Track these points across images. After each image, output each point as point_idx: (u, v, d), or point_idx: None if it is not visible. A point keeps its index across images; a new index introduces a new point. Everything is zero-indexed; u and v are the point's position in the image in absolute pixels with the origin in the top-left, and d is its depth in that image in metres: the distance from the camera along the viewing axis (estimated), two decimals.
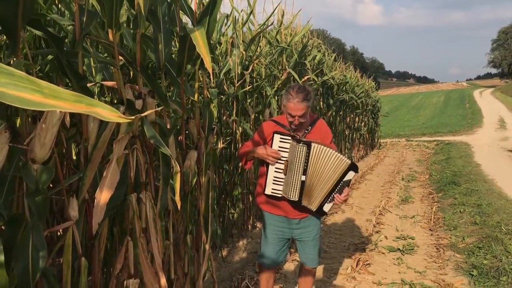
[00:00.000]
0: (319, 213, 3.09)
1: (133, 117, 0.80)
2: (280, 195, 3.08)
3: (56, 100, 0.72)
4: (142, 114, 0.88)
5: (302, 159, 2.94)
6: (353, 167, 2.99)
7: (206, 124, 2.84)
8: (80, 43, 1.92)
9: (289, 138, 2.99)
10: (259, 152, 3.03)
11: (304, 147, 2.93)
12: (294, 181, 2.98)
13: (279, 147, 3.01)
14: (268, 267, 3.29)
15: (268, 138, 3.08)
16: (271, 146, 3.02)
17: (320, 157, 2.94)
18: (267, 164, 3.06)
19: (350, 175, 2.99)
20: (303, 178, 2.96)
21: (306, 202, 3.02)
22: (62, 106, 0.73)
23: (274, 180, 3.05)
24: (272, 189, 3.07)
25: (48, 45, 2.44)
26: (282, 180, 3.04)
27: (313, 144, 2.93)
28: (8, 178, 1.73)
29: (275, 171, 3.04)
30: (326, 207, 3.05)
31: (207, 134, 2.83)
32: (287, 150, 3.00)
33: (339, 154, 2.96)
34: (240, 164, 3.26)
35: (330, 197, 3.02)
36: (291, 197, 3.01)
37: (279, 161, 3.02)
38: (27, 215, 1.62)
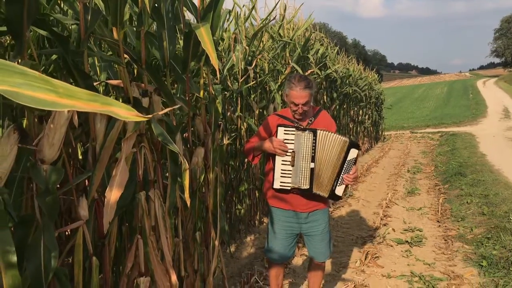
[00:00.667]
0: (333, 198, 3.09)
1: (150, 116, 0.79)
2: (289, 188, 3.05)
3: (72, 100, 0.71)
4: (160, 113, 0.86)
5: (310, 146, 2.97)
6: (353, 144, 3.03)
7: (212, 121, 2.83)
8: (85, 42, 1.91)
9: (293, 129, 3.01)
10: (266, 146, 3.03)
11: (311, 134, 2.96)
12: (303, 169, 2.99)
13: (284, 139, 3.02)
14: (277, 262, 3.29)
15: (273, 131, 3.08)
16: None
17: (325, 142, 2.98)
18: (274, 159, 3.06)
19: (353, 153, 3.02)
20: (312, 165, 2.98)
21: (317, 189, 3.02)
22: (78, 106, 0.72)
23: (282, 173, 3.05)
24: (281, 182, 3.06)
25: (52, 45, 2.43)
26: (290, 172, 3.03)
27: (318, 131, 2.97)
28: (17, 179, 1.73)
29: (282, 164, 3.04)
30: (339, 191, 3.05)
31: (214, 130, 2.83)
32: (292, 141, 3.00)
33: (340, 136, 3.01)
34: (247, 159, 3.24)
35: (340, 180, 3.03)
36: (302, 185, 3.01)
37: (286, 153, 3.02)
38: (37, 216, 1.62)
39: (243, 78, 5.12)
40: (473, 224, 5.64)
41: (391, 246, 5.08)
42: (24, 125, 1.89)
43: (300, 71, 6.20)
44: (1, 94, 0.66)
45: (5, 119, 1.82)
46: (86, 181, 2.13)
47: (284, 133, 3.01)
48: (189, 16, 3.26)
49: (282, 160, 3.03)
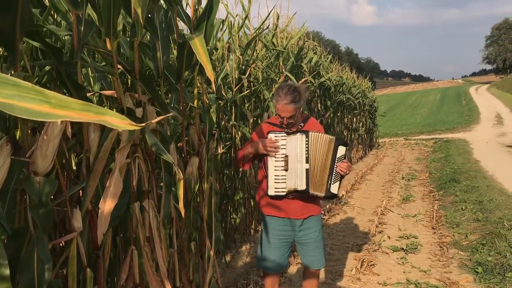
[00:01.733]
0: (330, 196, 3.13)
1: (143, 124, 0.79)
2: (284, 193, 3.06)
3: (65, 110, 0.71)
4: (153, 121, 0.86)
5: (303, 148, 3.01)
6: (340, 141, 3.11)
7: (207, 130, 2.83)
8: (78, 53, 1.91)
9: (284, 134, 3.06)
10: (256, 146, 3.06)
11: (303, 136, 3.02)
12: (298, 171, 3.01)
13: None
14: (272, 272, 3.27)
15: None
16: None
17: (317, 142, 3.04)
18: (266, 166, 3.08)
19: (342, 150, 3.09)
20: (307, 166, 3.01)
21: (313, 190, 3.03)
22: (71, 116, 0.72)
23: (275, 179, 3.06)
24: (275, 188, 3.06)
25: (45, 56, 2.43)
26: (284, 177, 3.05)
27: (310, 132, 3.04)
28: (10, 191, 1.72)
29: (275, 170, 3.06)
30: (334, 188, 3.08)
31: (208, 139, 2.83)
32: (284, 146, 3.05)
33: (328, 135, 3.09)
34: (238, 167, 3.27)
35: (333, 177, 3.07)
36: (299, 187, 3.01)
37: (277, 159, 3.05)
38: (31, 228, 1.61)
39: (237, 87, 5.13)
40: (468, 230, 5.65)
41: (387, 253, 5.08)
42: (18, 137, 1.88)
43: (294, 79, 6.22)
44: None
45: None
46: (80, 192, 2.12)
47: (275, 139, 3.06)
48: (182, 26, 3.27)
49: (275, 166, 3.05)
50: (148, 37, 3.11)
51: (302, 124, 3.17)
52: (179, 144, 2.89)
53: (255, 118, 5.81)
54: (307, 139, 3.02)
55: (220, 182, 5.04)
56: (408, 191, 8.84)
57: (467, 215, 6.34)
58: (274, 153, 3.04)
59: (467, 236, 5.43)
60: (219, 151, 4.66)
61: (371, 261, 4.71)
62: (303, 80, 6.83)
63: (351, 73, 14.79)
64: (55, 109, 0.71)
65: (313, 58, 8.29)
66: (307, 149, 3.01)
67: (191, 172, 2.68)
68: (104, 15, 1.99)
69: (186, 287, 2.73)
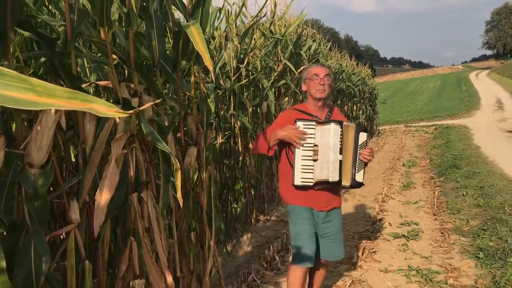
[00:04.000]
0: (355, 185, 3.03)
1: (130, 112, 0.77)
2: (311, 184, 2.94)
3: (51, 98, 0.69)
4: (140, 108, 0.84)
5: (337, 139, 2.91)
6: (361, 128, 3.06)
7: (204, 119, 2.81)
8: (72, 43, 1.88)
9: (313, 123, 2.94)
10: (282, 134, 2.92)
11: (338, 126, 2.91)
12: (331, 163, 2.90)
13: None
14: (309, 265, 3.00)
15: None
16: None
17: (347, 133, 2.96)
18: (291, 155, 2.98)
19: (363, 136, 3.03)
20: (340, 157, 2.91)
21: (344, 181, 2.95)
22: (57, 104, 0.70)
23: (303, 168, 2.93)
24: (302, 178, 2.94)
25: (40, 48, 2.40)
26: (312, 167, 2.92)
27: (344, 122, 2.95)
28: (7, 183, 1.70)
29: (303, 159, 2.93)
30: (359, 177, 3.01)
31: (206, 129, 2.80)
32: (312, 136, 2.93)
33: (352, 124, 3.03)
34: (260, 152, 3.13)
35: (357, 166, 2.99)
36: (331, 178, 2.89)
37: (305, 148, 2.92)
38: (27, 221, 1.59)
39: (235, 76, 5.10)
40: (469, 216, 5.64)
41: (388, 240, 5.08)
42: (14, 129, 1.86)
43: (293, 68, 6.19)
44: None
45: None
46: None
47: (304, 127, 2.93)
48: (178, 15, 3.23)
49: (303, 156, 2.93)
50: (144, 26, 3.09)
51: (329, 114, 3.10)
52: (178, 135, 2.87)
53: (254, 107, 5.78)
54: (341, 129, 2.91)
55: (220, 172, 5.04)
56: (409, 178, 8.83)
57: (468, 201, 6.33)
58: (302, 143, 2.91)
59: (468, 222, 5.43)
60: (218, 141, 4.64)
61: (373, 248, 4.71)
62: (302, 68, 6.79)
63: (351, 60, 14.72)
64: (41, 97, 0.69)
65: (312, 45, 8.23)
66: (341, 140, 2.91)
67: (190, 162, 2.66)
68: (97, 4, 1.96)
69: (187, 277, 2.73)
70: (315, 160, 2.91)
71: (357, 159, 2.99)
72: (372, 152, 3.06)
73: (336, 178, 2.90)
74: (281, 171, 3.16)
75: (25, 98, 0.68)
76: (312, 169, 2.93)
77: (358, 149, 3.00)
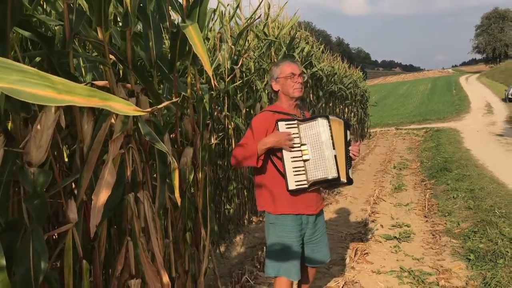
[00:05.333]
0: (350, 182, 2.88)
1: (149, 109, 0.79)
2: (306, 186, 2.74)
3: (70, 95, 0.71)
4: (158, 107, 0.85)
5: (328, 133, 2.75)
6: (347, 124, 2.97)
7: (201, 120, 2.82)
8: (70, 43, 1.89)
9: (294, 122, 2.77)
10: (271, 141, 2.69)
11: (325, 120, 2.76)
12: (326, 159, 2.73)
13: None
14: (293, 279, 2.83)
15: (270, 129, 2.78)
16: None
17: (335, 126, 2.81)
18: (278, 160, 2.77)
19: (348, 134, 2.93)
20: (334, 152, 2.76)
21: (342, 176, 2.77)
22: (76, 101, 0.71)
23: (295, 171, 2.74)
24: (296, 181, 2.73)
25: (35, 47, 2.39)
26: (303, 168, 2.75)
27: (330, 116, 2.81)
28: (3, 183, 1.70)
29: (293, 161, 2.74)
30: (351, 173, 2.90)
31: (202, 129, 2.81)
32: (296, 135, 2.75)
33: (338, 118, 2.89)
34: (245, 165, 2.94)
35: (349, 160, 2.88)
36: (329, 175, 2.73)
37: (293, 149, 2.73)
38: (25, 220, 1.59)
39: (229, 78, 5.11)
40: (459, 218, 5.70)
41: (380, 242, 5.11)
42: (9, 128, 1.86)
43: None
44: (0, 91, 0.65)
45: None
46: (73, 184, 2.10)
47: (286, 127, 2.75)
48: (173, 16, 3.24)
49: (292, 157, 2.73)
50: (139, 26, 3.09)
51: (303, 113, 2.96)
52: (172, 135, 2.88)
53: (247, 109, 5.80)
54: (329, 123, 2.75)
55: (214, 172, 5.04)
56: (400, 180, 8.89)
57: (458, 203, 6.39)
58: (291, 145, 2.73)
59: (459, 224, 5.48)
60: (212, 142, 4.65)
61: (365, 250, 4.74)
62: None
63: (343, 63, 14.80)
64: (61, 94, 0.70)
65: (305, 48, 8.28)
66: (331, 134, 2.74)
67: (186, 162, 2.67)
68: (95, 4, 1.96)
69: (182, 278, 2.73)
70: (305, 160, 2.76)
71: (348, 156, 2.88)
72: (359, 149, 2.98)
73: (335, 174, 2.74)
74: (265, 181, 2.86)
75: (45, 95, 0.70)
76: (304, 170, 2.76)
77: (348, 145, 2.90)
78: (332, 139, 2.76)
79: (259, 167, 2.78)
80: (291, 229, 2.79)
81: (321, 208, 2.99)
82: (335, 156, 2.76)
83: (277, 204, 2.80)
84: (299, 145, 2.76)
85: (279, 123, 2.75)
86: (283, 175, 2.75)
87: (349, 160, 2.89)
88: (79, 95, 0.71)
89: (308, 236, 2.90)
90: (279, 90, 2.88)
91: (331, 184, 2.88)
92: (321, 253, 2.98)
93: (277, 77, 2.85)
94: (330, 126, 2.76)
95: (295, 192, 2.75)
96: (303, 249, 2.91)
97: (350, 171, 2.89)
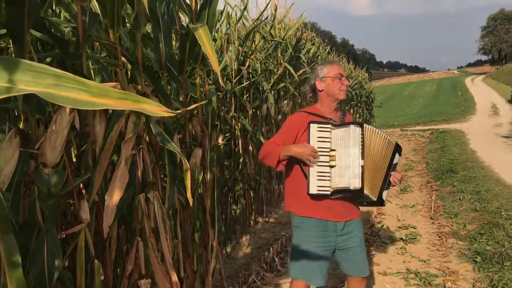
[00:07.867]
0: (379, 202, 2.73)
1: (179, 111, 0.81)
2: (328, 192, 2.62)
3: (104, 99, 0.73)
4: (189, 108, 0.88)
5: (358, 142, 2.60)
6: (398, 148, 2.75)
7: (209, 121, 2.84)
8: (84, 45, 1.91)
9: (328, 125, 2.65)
10: (295, 150, 2.61)
11: (358, 128, 2.61)
12: (352, 168, 2.59)
13: (318, 137, 2.64)
14: (317, 285, 2.75)
15: (302, 130, 2.69)
16: (308, 138, 2.63)
17: (372, 138, 2.65)
18: (304, 163, 2.66)
19: (397, 157, 2.74)
20: (362, 162, 2.59)
21: (368, 191, 2.62)
22: (110, 104, 0.73)
23: (319, 176, 2.62)
24: (318, 186, 2.61)
25: (45, 48, 2.42)
26: (328, 174, 2.62)
27: (365, 124, 2.66)
28: (15, 183, 1.72)
29: (319, 165, 2.62)
30: (384, 195, 2.73)
31: (211, 130, 2.83)
32: (328, 139, 2.64)
33: (386, 134, 2.71)
34: (267, 164, 2.80)
35: (387, 183, 2.71)
36: (352, 185, 2.58)
37: (321, 153, 2.62)
38: (39, 220, 1.61)
39: (236, 79, 5.13)
40: (466, 220, 5.68)
41: (386, 243, 5.11)
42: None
43: (292, 71, 6.23)
44: (37, 95, 0.67)
45: (6, 124, 1.81)
46: (81, 184, 2.12)
47: (318, 130, 2.64)
48: (182, 18, 3.26)
49: (318, 162, 2.61)
50: (148, 28, 3.11)
51: (343, 117, 2.83)
52: (179, 136, 2.90)
53: (254, 110, 5.81)
54: (362, 132, 2.60)
55: (220, 173, 5.06)
56: (406, 181, 8.86)
57: (465, 205, 6.37)
58: (316, 163, 2.60)
59: (465, 226, 5.47)
60: (219, 142, 4.67)
61: (371, 252, 4.75)
62: (301, 71, 6.83)
63: (348, 64, 14.80)
64: (95, 97, 0.73)
65: (311, 49, 8.29)
66: (362, 143, 2.60)
67: (195, 163, 2.69)
68: (108, 6, 1.99)
69: (190, 277, 2.75)
70: (332, 166, 2.63)
71: (388, 176, 2.71)
72: (401, 179, 2.79)
73: (358, 185, 2.58)
74: (293, 181, 2.78)
75: (81, 99, 0.72)
76: (329, 176, 2.63)
77: (392, 167, 2.72)
78: (362, 148, 2.61)
79: (291, 168, 2.73)
80: (316, 234, 2.69)
81: (352, 218, 2.76)
82: (362, 166, 2.60)
83: (301, 205, 2.72)
84: (328, 150, 2.64)
85: (311, 124, 2.64)
86: (307, 177, 2.65)
87: (388, 182, 2.73)
88: (113, 98, 0.74)
89: (339, 244, 2.75)
90: (322, 90, 2.76)
91: (356, 196, 2.67)
92: (356, 264, 2.80)
93: (324, 76, 2.72)
94: (362, 135, 2.62)
95: (316, 197, 2.64)
96: (338, 256, 2.80)
97: (384, 192, 2.73)
